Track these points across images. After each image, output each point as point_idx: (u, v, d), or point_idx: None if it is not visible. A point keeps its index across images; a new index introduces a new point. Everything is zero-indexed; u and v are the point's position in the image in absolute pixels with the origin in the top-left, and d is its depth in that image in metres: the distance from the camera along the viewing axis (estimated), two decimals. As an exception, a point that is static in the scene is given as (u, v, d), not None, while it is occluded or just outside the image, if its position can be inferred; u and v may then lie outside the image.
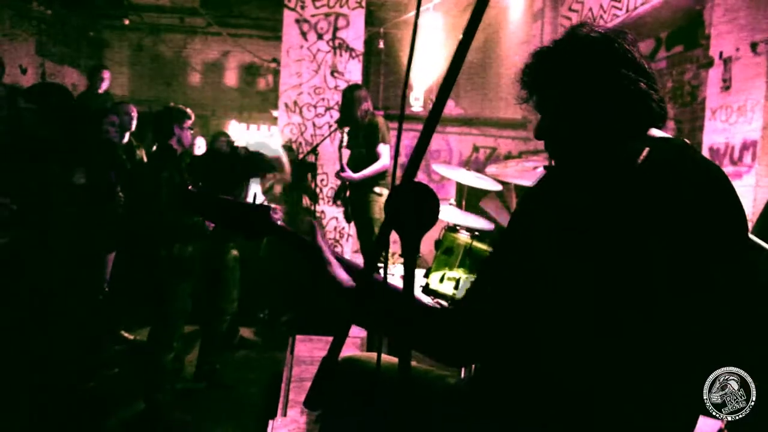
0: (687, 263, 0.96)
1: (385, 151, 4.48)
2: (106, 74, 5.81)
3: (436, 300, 2.56)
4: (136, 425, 3.17)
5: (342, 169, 4.51)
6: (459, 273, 2.56)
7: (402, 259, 0.81)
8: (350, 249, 6.30)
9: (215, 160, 4.57)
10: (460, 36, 0.80)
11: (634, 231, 0.96)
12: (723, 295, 1.00)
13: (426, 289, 2.50)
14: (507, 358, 1.12)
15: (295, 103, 6.21)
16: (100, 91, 5.72)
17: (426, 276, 2.57)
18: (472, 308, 1.12)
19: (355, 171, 4.48)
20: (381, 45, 7.21)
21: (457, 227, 2.65)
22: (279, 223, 1.30)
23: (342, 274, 1.24)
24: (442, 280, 2.56)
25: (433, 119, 0.79)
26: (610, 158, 1.06)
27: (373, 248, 0.82)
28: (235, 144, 4.61)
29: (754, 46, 3.96)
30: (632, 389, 1.00)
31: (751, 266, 1.07)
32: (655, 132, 1.10)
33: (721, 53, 4.25)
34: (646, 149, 1.02)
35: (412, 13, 6.68)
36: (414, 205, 0.80)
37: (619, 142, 1.07)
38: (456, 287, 2.45)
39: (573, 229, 1.01)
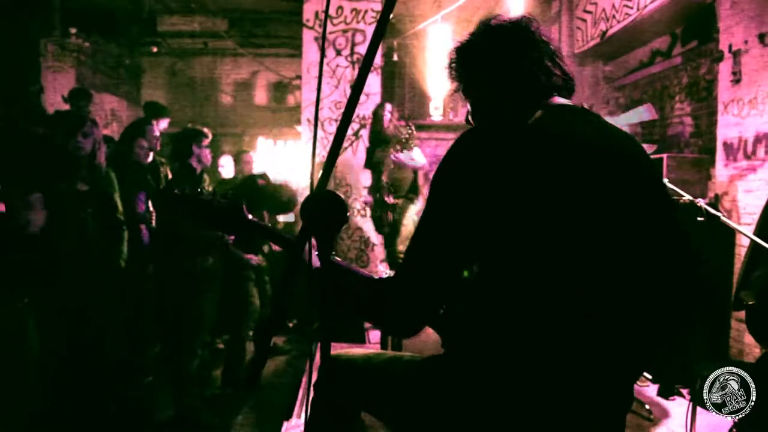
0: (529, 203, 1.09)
1: (417, 152, 5.20)
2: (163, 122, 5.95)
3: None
4: (167, 430, 3.38)
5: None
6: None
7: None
8: (377, 258, 6.43)
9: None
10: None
11: (515, 179, 1.09)
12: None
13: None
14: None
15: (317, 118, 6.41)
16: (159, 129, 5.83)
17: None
18: (410, 270, 1.19)
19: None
20: (395, 57, 7.38)
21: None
22: (249, 217, 1.46)
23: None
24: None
25: (341, 132, 0.93)
26: (511, 121, 1.19)
27: (296, 246, 0.96)
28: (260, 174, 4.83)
29: (762, 38, 3.93)
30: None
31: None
32: (559, 100, 1.25)
33: (730, 46, 4.22)
34: (540, 112, 1.17)
35: (424, 24, 6.82)
36: (324, 211, 0.94)
37: (523, 109, 1.20)
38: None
39: (485, 183, 1.12)
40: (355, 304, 1.30)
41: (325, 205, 0.94)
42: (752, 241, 2.73)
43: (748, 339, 3.77)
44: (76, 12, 7.59)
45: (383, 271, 4.54)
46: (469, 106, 1.35)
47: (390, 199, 5.29)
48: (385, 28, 0.95)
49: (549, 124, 1.16)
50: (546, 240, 1.07)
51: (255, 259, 4.00)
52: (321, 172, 0.93)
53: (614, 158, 1.16)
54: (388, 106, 5.40)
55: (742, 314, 3.17)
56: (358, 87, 0.92)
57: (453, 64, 1.33)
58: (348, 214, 0.95)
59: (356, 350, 1.56)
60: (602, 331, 1.10)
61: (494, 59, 1.26)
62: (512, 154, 1.09)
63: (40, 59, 7.14)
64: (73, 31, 7.68)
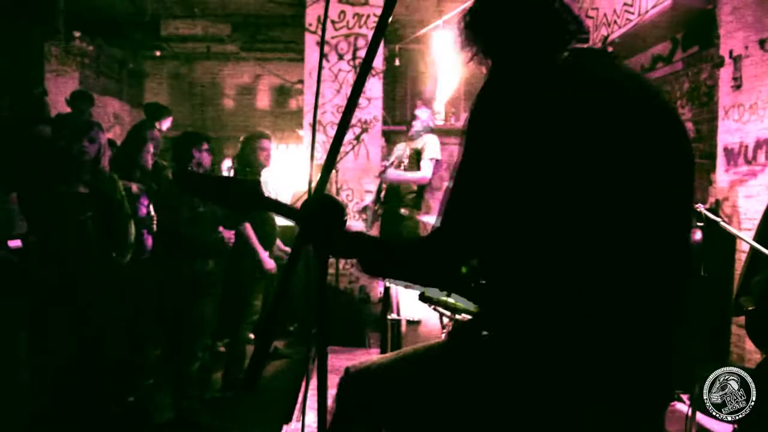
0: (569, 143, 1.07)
1: (426, 165, 4.99)
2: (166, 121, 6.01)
3: (433, 307, 2.66)
4: (167, 432, 3.39)
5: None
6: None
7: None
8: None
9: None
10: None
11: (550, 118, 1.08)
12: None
13: (422, 297, 2.60)
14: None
15: (319, 122, 6.43)
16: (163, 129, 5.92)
17: (424, 283, 2.68)
18: (457, 220, 1.17)
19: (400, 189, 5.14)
20: (397, 62, 7.40)
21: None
22: (268, 194, 1.40)
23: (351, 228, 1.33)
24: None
25: (340, 135, 0.94)
26: (540, 63, 1.19)
27: (294, 250, 0.97)
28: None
29: (762, 43, 3.94)
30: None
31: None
32: (579, 45, 1.23)
33: (731, 52, 4.23)
34: (566, 53, 1.16)
35: (426, 30, 6.84)
36: (321, 214, 0.95)
37: (546, 52, 1.19)
38: (449, 294, 2.55)
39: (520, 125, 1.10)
40: (401, 254, 1.24)
41: (323, 208, 0.95)
42: (752, 246, 2.74)
43: (749, 344, 3.77)
44: (80, 15, 7.63)
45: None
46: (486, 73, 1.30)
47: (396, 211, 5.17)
48: (383, 32, 0.96)
49: (581, 63, 1.16)
50: (581, 183, 1.05)
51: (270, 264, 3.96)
52: (319, 175, 0.94)
53: (646, 104, 1.16)
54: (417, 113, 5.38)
55: (742, 319, 3.17)
56: (357, 90, 0.94)
57: (473, 20, 1.28)
58: (346, 217, 0.96)
59: (364, 358, 1.54)
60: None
61: (529, 7, 1.23)
62: (546, 91, 1.08)
63: (44, 62, 7.17)
64: (77, 34, 7.72)
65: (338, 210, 0.96)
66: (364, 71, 0.95)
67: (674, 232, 1.14)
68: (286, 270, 0.98)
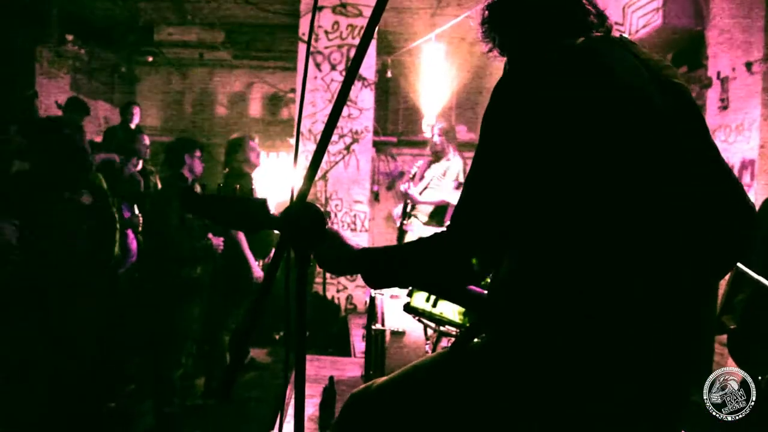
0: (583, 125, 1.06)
1: (448, 185, 4.96)
2: (136, 110, 6.16)
3: (418, 318, 2.66)
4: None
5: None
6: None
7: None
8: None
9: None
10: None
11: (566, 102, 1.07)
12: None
13: (407, 307, 2.59)
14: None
15: (310, 131, 6.44)
16: (132, 125, 6.06)
17: (409, 295, 2.67)
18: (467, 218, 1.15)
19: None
20: (389, 74, 7.44)
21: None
22: (276, 213, 1.35)
23: (351, 242, 1.29)
24: (427, 299, 2.65)
25: (321, 147, 0.94)
26: (555, 48, 1.16)
27: (273, 259, 0.96)
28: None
29: (749, 66, 4.00)
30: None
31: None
32: (596, 33, 1.21)
33: (718, 73, 4.29)
34: (582, 39, 1.14)
35: (418, 42, 6.89)
36: (302, 222, 0.95)
37: (563, 38, 1.17)
38: (435, 305, 2.55)
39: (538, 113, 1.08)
40: (403, 253, 1.23)
41: (302, 214, 0.95)
42: (735, 265, 2.76)
43: (731, 363, 3.79)
44: (73, 19, 7.62)
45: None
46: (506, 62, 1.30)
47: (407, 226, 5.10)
48: (369, 40, 0.97)
49: (597, 47, 1.14)
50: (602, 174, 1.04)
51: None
52: (302, 183, 0.94)
53: (662, 87, 1.14)
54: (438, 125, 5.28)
55: (724, 338, 3.19)
56: (342, 96, 0.94)
57: (492, 13, 1.28)
58: (327, 225, 0.96)
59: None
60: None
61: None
62: (554, 91, 1.07)
63: (35, 65, 7.14)
64: (70, 38, 7.70)
65: (318, 216, 0.96)
66: (349, 78, 0.96)
67: (692, 231, 1.10)
68: (265, 277, 0.98)
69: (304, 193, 0.95)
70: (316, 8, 6.20)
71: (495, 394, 1.10)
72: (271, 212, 1.30)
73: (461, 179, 5.04)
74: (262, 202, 1.29)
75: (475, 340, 1.25)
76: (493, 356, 1.13)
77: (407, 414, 1.23)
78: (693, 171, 1.11)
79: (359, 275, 1.22)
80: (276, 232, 4.42)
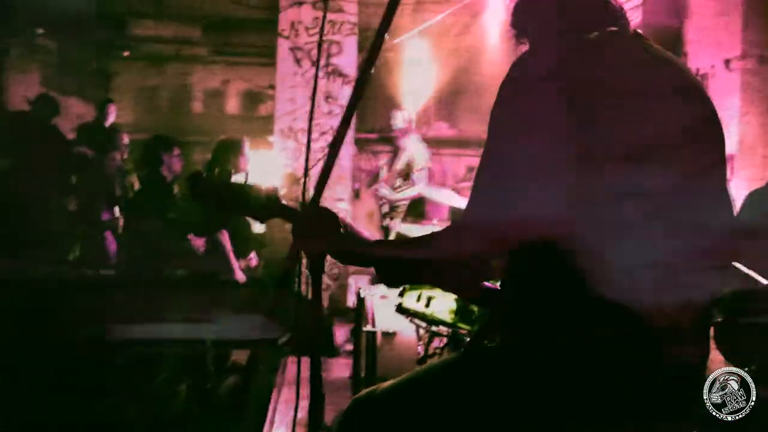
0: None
1: (418, 176, 4.94)
2: (112, 108, 6.03)
3: (410, 318, 2.63)
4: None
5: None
6: (436, 292, 2.62)
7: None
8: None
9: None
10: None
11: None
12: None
13: (399, 308, 2.57)
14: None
15: (290, 128, 6.36)
16: (107, 124, 5.93)
17: (401, 295, 2.64)
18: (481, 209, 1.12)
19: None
20: (372, 69, 7.38)
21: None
22: (286, 203, 1.34)
23: (363, 234, 1.28)
24: (419, 299, 2.62)
25: (336, 146, 0.91)
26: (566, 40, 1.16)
27: (287, 263, 0.92)
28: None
29: (727, 63, 4.06)
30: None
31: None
32: (611, 28, 1.20)
33: (697, 70, 4.35)
34: (596, 33, 1.13)
35: (402, 38, 6.85)
36: (315, 227, 0.91)
37: (580, 32, 1.16)
38: (427, 305, 2.52)
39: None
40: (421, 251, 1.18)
41: (316, 220, 0.91)
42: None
43: (717, 355, 3.84)
44: (42, 12, 7.39)
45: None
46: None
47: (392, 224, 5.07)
48: (384, 36, 0.93)
49: (607, 42, 1.14)
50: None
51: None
52: (315, 186, 0.90)
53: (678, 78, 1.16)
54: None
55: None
56: (356, 94, 0.90)
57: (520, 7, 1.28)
58: (342, 227, 0.92)
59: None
60: None
61: None
62: (566, 69, 1.06)
63: (4, 59, 6.93)
64: (40, 31, 7.48)
65: (333, 220, 0.92)
66: (362, 78, 0.92)
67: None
68: (281, 282, 0.94)
69: (317, 196, 0.92)
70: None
71: (515, 398, 1.08)
72: (285, 203, 1.28)
73: (423, 165, 5.06)
74: (274, 191, 1.28)
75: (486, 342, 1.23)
76: (511, 360, 1.10)
77: (419, 420, 1.19)
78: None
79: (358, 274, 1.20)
80: (266, 229, 4.33)
